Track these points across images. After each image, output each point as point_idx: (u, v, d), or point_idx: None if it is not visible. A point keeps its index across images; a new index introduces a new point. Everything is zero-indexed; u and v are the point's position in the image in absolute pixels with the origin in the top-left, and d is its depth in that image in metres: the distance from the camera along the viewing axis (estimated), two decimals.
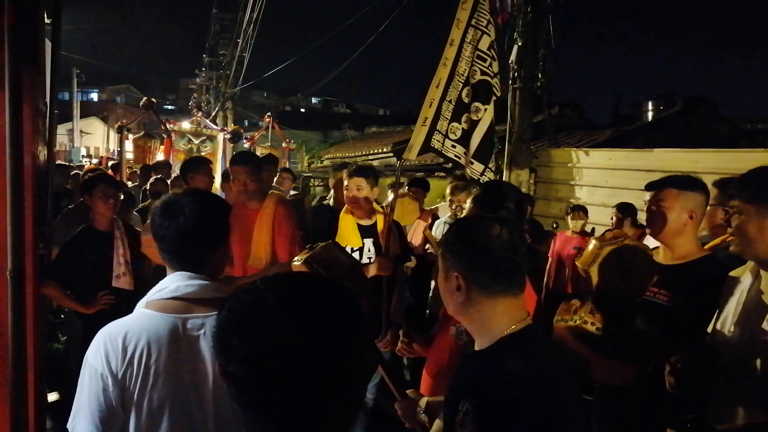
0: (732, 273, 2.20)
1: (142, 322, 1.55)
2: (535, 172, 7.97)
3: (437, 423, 1.75)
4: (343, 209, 3.66)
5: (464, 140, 3.64)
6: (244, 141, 11.40)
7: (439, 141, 3.56)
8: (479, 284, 1.43)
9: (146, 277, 3.94)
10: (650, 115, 18.29)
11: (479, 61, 3.62)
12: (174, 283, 1.60)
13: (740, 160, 5.31)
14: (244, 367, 0.80)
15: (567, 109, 12.52)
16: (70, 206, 5.09)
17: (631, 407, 2.12)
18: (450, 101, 3.56)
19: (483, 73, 3.63)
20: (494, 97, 3.71)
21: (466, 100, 3.62)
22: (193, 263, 1.65)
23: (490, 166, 3.72)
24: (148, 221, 1.73)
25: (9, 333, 1.92)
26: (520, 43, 7.08)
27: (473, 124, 3.65)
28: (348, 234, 3.57)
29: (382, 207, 3.90)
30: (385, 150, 13.76)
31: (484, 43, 3.64)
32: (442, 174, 10.81)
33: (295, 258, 2.21)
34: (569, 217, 5.79)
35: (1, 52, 2.17)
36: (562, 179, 7.72)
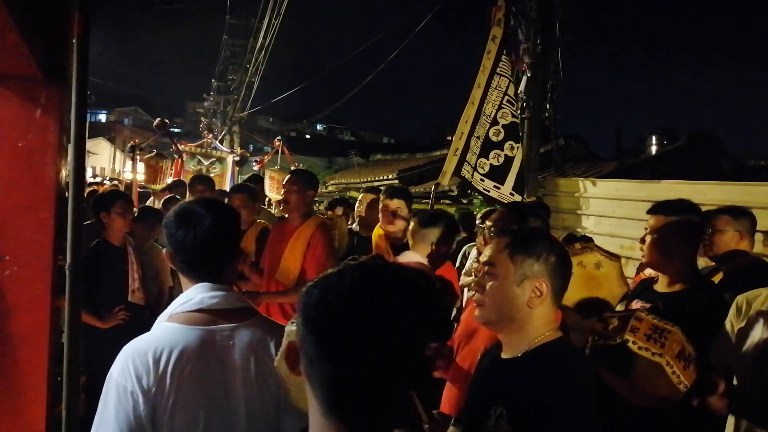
0: (747, 295, 2.21)
1: (169, 336, 1.51)
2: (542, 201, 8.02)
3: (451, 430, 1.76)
4: (376, 229, 3.73)
5: (495, 174, 4.02)
6: (254, 164, 11.51)
7: (468, 172, 3.88)
8: (554, 291, 1.52)
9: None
10: (653, 149, 18.40)
11: (509, 105, 4.05)
12: (198, 294, 1.58)
13: (747, 193, 5.36)
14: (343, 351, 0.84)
15: (572, 141, 12.61)
16: (87, 222, 5.13)
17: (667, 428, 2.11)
18: (478, 138, 3.91)
19: (513, 115, 4.07)
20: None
21: (494, 139, 4.00)
22: (214, 273, 1.63)
23: (525, 197, 3.96)
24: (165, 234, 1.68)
25: (66, 332, 1.92)
26: (528, 75, 7.20)
27: (508, 160, 4.03)
28: (384, 255, 3.61)
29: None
30: (390, 177, 13.84)
31: (512, 89, 4.11)
32: (448, 201, 10.88)
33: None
34: None
35: (61, 62, 2.24)
36: (569, 209, 7.75)
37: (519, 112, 4.08)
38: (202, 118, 29.40)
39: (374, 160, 20.56)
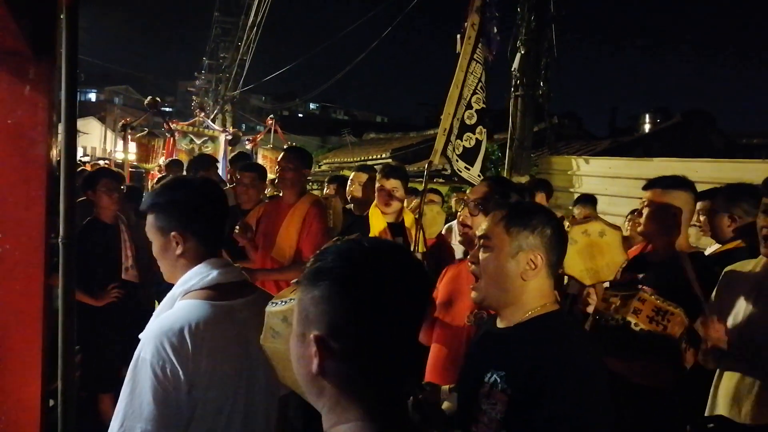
0: (734, 267, 2.25)
1: (198, 311, 1.51)
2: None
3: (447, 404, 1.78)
4: (372, 208, 3.72)
5: (467, 156, 4.13)
6: (246, 143, 11.45)
7: (450, 152, 3.95)
8: (549, 263, 1.51)
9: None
10: (647, 127, 18.43)
11: (481, 91, 4.17)
12: (213, 271, 1.59)
13: (739, 170, 5.38)
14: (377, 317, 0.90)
15: (565, 120, 12.61)
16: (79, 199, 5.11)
17: (664, 407, 2.14)
18: (458, 119, 4.05)
19: (484, 102, 4.20)
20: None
21: (468, 122, 4.11)
22: (219, 247, 1.67)
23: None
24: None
25: (60, 305, 1.91)
26: (523, 52, 7.16)
27: (478, 144, 4.17)
28: (380, 233, 3.63)
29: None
30: (383, 156, 13.83)
31: (485, 77, 4.21)
32: (441, 180, 10.87)
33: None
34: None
35: (50, 37, 2.21)
36: (562, 187, 7.77)
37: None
38: (194, 97, 29.13)
39: (367, 139, 20.50)
